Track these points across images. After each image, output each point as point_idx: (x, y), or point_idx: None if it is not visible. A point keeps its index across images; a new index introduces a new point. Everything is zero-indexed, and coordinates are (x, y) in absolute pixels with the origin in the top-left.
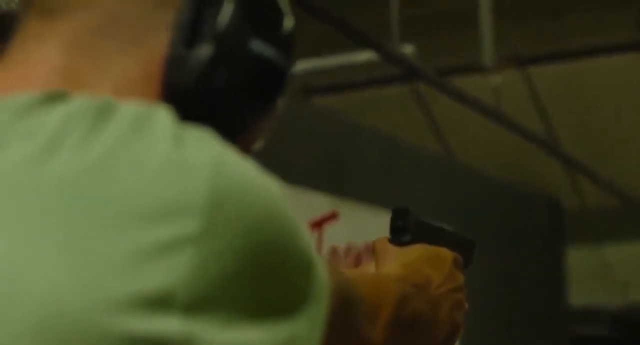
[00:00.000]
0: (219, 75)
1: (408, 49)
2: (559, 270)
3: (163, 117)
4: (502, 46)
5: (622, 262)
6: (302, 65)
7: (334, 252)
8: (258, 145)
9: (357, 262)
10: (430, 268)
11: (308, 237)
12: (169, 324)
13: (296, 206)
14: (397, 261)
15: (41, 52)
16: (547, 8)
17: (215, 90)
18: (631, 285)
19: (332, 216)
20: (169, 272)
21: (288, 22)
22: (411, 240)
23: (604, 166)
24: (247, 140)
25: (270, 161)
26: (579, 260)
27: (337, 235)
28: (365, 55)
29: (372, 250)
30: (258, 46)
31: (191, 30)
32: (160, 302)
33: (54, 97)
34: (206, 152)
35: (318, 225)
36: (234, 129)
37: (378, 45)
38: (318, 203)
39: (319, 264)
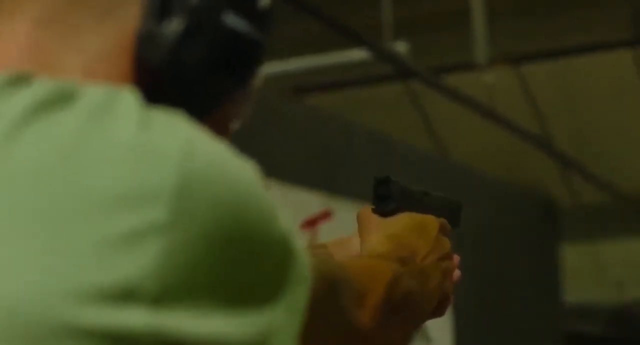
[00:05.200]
0: (191, 51)
1: (401, 48)
2: (554, 268)
3: (128, 100)
4: (495, 44)
5: (616, 259)
6: (296, 64)
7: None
8: (234, 126)
9: None
10: (416, 238)
11: (286, 222)
12: (136, 317)
13: (289, 205)
14: (381, 232)
15: (11, 29)
16: (540, 6)
17: (187, 66)
18: (625, 283)
19: (326, 215)
20: (136, 263)
21: None
22: (395, 208)
23: (598, 164)
24: (221, 121)
25: (262, 159)
26: (573, 258)
27: (331, 233)
28: (358, 54)
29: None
30: (232, 21)
31: (163, 4)
32: (127, 294)
33: (17, 80)
34: (174, 137)
35: (312, 223)
36: (207, 108)
37: (371, 44)
38: (311, 202)
39: (299, 250)
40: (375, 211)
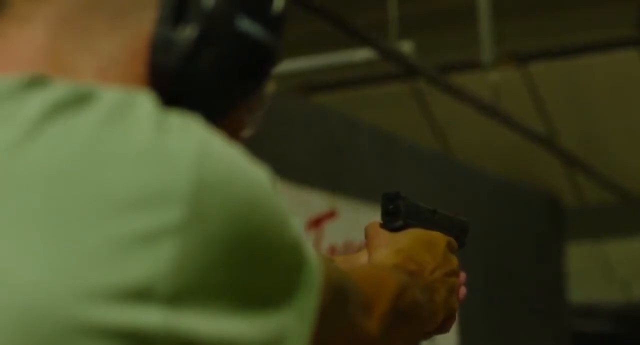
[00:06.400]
0: (206, 56)
1: (406, 47)
2: (560, 268)
3: (145, 103)
4: (501, 43)
5: (622, 259)
6: (301, 63)
7: (332, 250)
8: (247, 132)
9: None
10: (423, 253)
11: (297, 227)
12: (151, 317)
13: (295, 204)
14: (390, 247)
15: (26, 32)
16: (546, 4)
17: (202, 72)
18: (631, 282)
19: (331, 214)
20: (151, 263)
21: (278, 2)
22: (403, 225)
23: (604, 163)
24: (235, 125)
25: (268, 158)
26: (579, 257)
27: (336, 232)
28: (363, 53)
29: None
30: (247, 26)
31: (178, 9)
32: (141, 294)
33: (35, 83)
34: (190, 139)
35: (317, 223)
36: (221, 112)
37: (376, 43)
38: (316, 201)
39: (310, 255)
40: (383, 227)
